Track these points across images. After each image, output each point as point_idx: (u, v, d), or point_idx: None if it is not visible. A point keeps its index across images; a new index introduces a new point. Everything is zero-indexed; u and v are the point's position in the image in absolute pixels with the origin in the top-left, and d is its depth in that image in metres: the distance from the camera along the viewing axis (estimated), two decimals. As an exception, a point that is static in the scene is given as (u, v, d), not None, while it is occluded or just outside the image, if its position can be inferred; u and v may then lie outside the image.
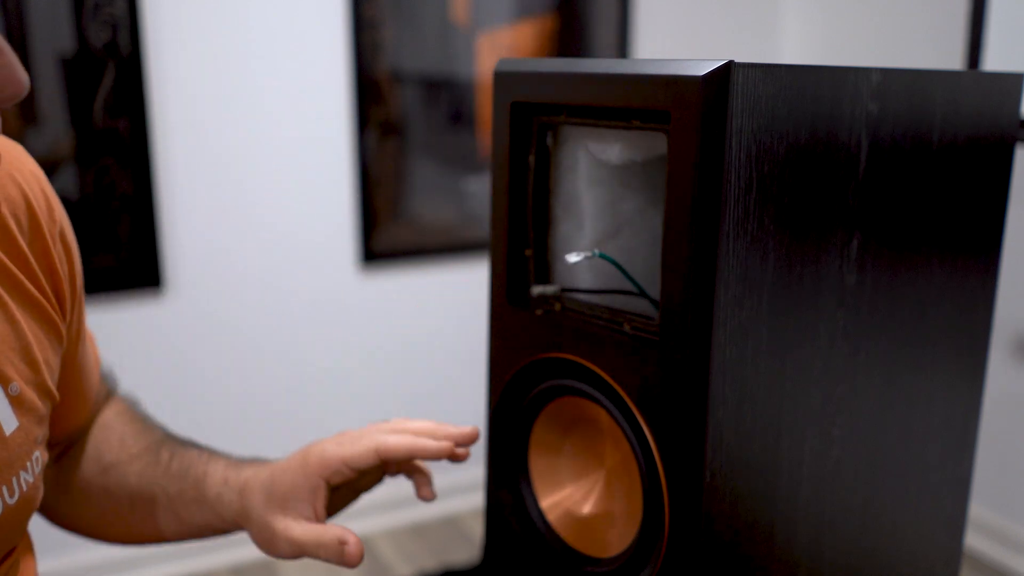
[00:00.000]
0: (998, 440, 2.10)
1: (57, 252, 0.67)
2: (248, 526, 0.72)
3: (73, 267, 0.69)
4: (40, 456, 0.64)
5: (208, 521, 0.75)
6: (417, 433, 0.71)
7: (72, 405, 0.75)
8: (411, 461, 0.75)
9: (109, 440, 0.79)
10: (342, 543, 0.68)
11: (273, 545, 0.70)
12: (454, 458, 0.72)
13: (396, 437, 0.70)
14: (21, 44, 1.77)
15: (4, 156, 0.64)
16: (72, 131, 1.85)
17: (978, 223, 0.71)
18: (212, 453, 0.78)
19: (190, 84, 1.96)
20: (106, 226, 1.88)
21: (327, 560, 0.68)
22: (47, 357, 0.65)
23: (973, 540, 2.20)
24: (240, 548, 2.21)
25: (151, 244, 1.95)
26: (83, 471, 0.78)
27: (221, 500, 0.73)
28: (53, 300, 0.66)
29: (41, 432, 0.64)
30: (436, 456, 0.70)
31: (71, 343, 0.71)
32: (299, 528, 0.69)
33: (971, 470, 0.77)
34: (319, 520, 0.71)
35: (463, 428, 0.72)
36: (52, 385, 0.65)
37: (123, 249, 1.92)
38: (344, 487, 0.75)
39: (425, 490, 0.75)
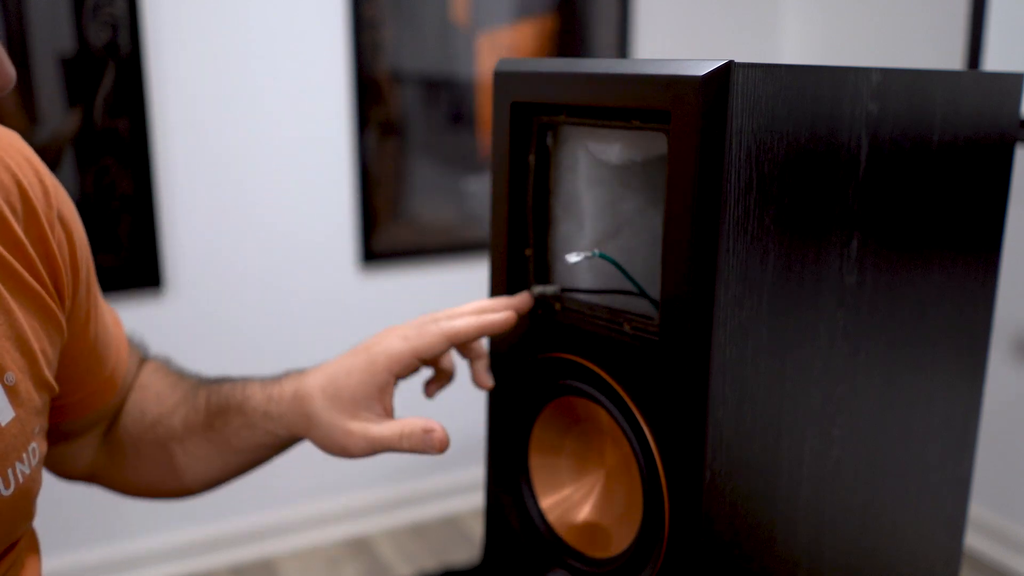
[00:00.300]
0: (998, 440, 2.10)
1: (55, 236, 0.66)
2: (311, 432, 0.71)
3: (75, 249, 0.68)
4: (38, 448, 0.63)
5: (260, 441, 0.74)
6: (477, 312, 0.70)
7: (94, 389, 0.76)
8: (473, 345, 0.74)
9: (147, 398, 0.80)
10: (427, 431, 0.67)
11: (346, 446, 0.69)
12: (520, 308, 0.70)
13: (462, 320, 0.69)
14: (21, 44, 1.77)
15: None
16: (73, 130, 1.85)
17: (978, 223, 0.71)
18: (246, 379, 0.78)
19: (190, 84, 1.96)
20: (106, 226, 1.88)
21: (411, 451, 0.68)
22: (44, 348, 0.64)
23: (973, 540, 2.20)
24: (240, 548, 2.21)
25: (151, 244, 1.95)
26: (131, 433, 0.80)
27: (269, 416, 0.73)
28: (51, 288, 0.65)
29: (39, 423, 0.64)
30: (505, 327, 0.69)
31: (80, 325, 0.71)
32: (377, 427, 0.68)
33: (971, 470, 0.77)
34: (388, 415, 0.70)
35: (513, 298, 0.71)
36: (50, 376, 0.65)
37: (123, 249, 1.92)
38: None
39: (484, 376, 0.74)
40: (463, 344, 0.71)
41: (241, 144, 2.04)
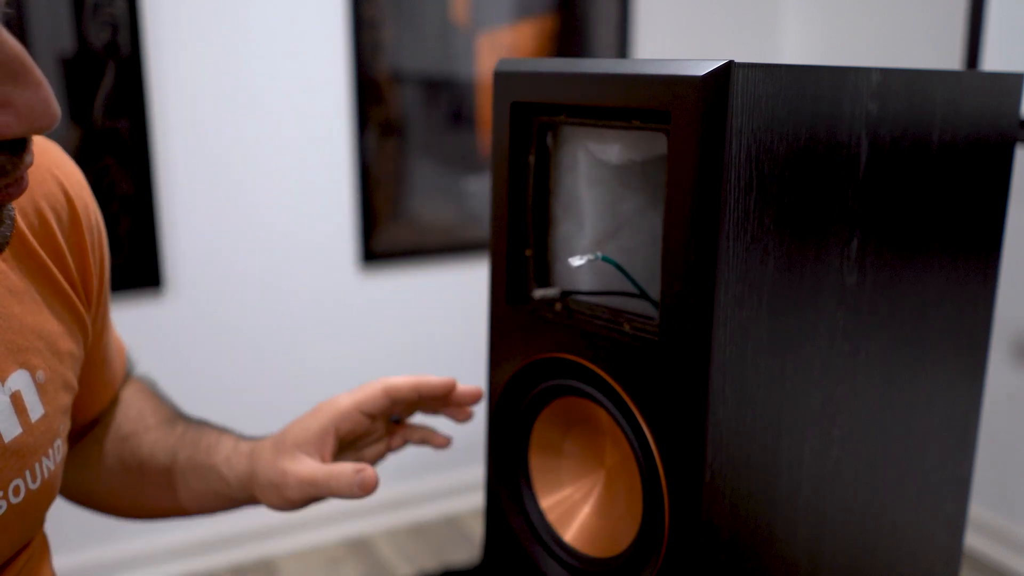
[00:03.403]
0: (998, 440, 2.10)
1: (92, 247, 0.69)
2: (256, 486, 0.74)
3: (103, 260, 0.72)
4: (61, 445, 0.65)
5: (216, 488, 0.76)
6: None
7: (96, 391, 0.78)
8: (417, 427, 0.79)
9: (127, 413, 0.81)
10: (357, 471, 0.69)
11: (282, 493, 0.71)
12: (457, 410, 0.77)
13: (402, 376, 0.75)
14: (21, 44, 1.77)
15: (46, 154, 0.66)
16: (73, 131, 1.85)
17: (978, 223, 0.71)
18: (225, 429, 0.80)
19: (190, 84, 1.96)
20: (106, 226, 1.88)
21: (339, 495, 0.70)
22: (71, 350, 0.66)
23: (973, 540, 2.20)
24: (240, 548, 2.21)
25: (151, 244, 1.95)
26: (99, 443, 0.81)
27: (230, 464, 0.75)
28: (82, 294, 0.68)
29: (63, 423, 0.66)
30: (441, 389, 0.74)
31: (96, 334, 0.73)
32: (308, 467, 0.71)
33: (971, 470, 0.77)
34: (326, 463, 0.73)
35: (468, 386, 0.76)
36: (74, 378, 0.67)
37: (123, 249, 1.92)
38: (350, 448, 0.78)
39: (437, 438, 0.79)
40: (429, 401, 0.77)
41: (241, 144, 2.04)
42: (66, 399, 0.66)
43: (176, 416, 0.82)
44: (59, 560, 2.15)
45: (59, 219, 0.65)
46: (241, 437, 0.78)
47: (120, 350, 0.82)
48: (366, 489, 0.69)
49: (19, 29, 1.76)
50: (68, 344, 0.66)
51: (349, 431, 0.74)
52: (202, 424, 0.80)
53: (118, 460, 0.80)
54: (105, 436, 0.81)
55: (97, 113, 1.86)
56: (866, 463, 0.68)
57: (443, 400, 0.77)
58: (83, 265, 0.68)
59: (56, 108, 0.44)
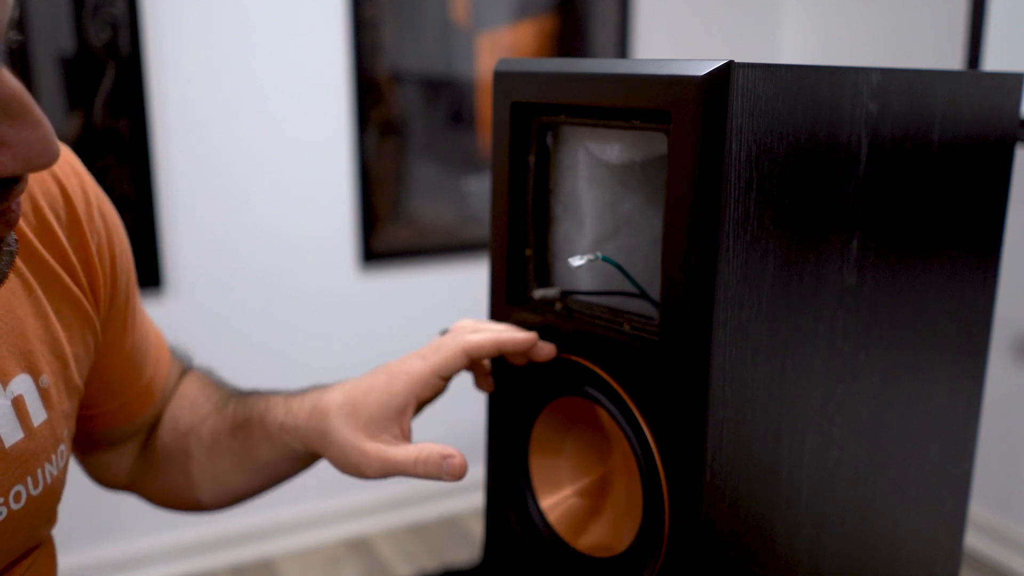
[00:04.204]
0: (998, 440, 2.10)
1: (96, 243, 0.68)
2: (326, 449, 0.69)
3: (114, 257, 0.70)
4: (65, 450, 0.64)
5: (279, 454, 0.74)
6: (498, 331, 0.69)
7: (132, 398, 0.76)
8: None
9: (183, 407, 0.80)
10: (445, 456, 0.65)
11: (360, 467, 0.67)
12: (536, 355, 0.68)
13: (481, 335, 0.68)
14: (21, 44, 1.77)
15: None
16: (73, 131, 1.85)
17: (978, 223, 0.71)
18: (272, 392, 0.77)
19: (190, 84, 1.96)
20: (106, 226, 1.89)
21: (426, 477, 0.66)
22: (77, 352, 0.66)
23: (973, 540, 2.20)
24: (240, 548, 2.21)
25: (151, 244, 1.95)
26: (165, 442, 0.80)
27: (285, 429, 0.71)
28: (89, 293, 0.67)
29: (67, 427, 0.65)
30: (523, 345, 0.67)
31: (116, 334, 0.72)
32: (393, 449, 0.66)
33: (971, 470, 0.77)
34: (406, 439, 0.68)
35: (536, 338, 0.69)
36: (80, 380, 0.66)
37: (123, 249, 1.92)
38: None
39: (485, 381, 0.73)
40: (488, 357, 0.69)
41: (241, 144, 2.03)
42: (71, 403, 0.65)
43: (227, 396, 0.79)
44: (59, 559, 2.14)
45: (58, 218, 0.64)
46: (289, 394, 0.74)
47: (160, 349, 0.80)
48: (455, 476, 0.65)
49: (19, 29, 1.76)
50: (75, 346, 0.65)
51: (427, 398, 0.69)
52: (248, 397, 0.77)
53: (184, 456, 0.78)
54: (164, 434, 0.80)
55: (97, 113, 1.86)
56: (866, 463, 0.68)
57: (522, 356, 0.69)
58: (88, 264, 0.67)
59: (55, 147, 0.43)
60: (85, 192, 0.68)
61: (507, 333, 0.67)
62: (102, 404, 0.74)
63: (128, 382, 0.75)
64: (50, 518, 0.66)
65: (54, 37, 1.80)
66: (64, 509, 0.79)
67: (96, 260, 0.67)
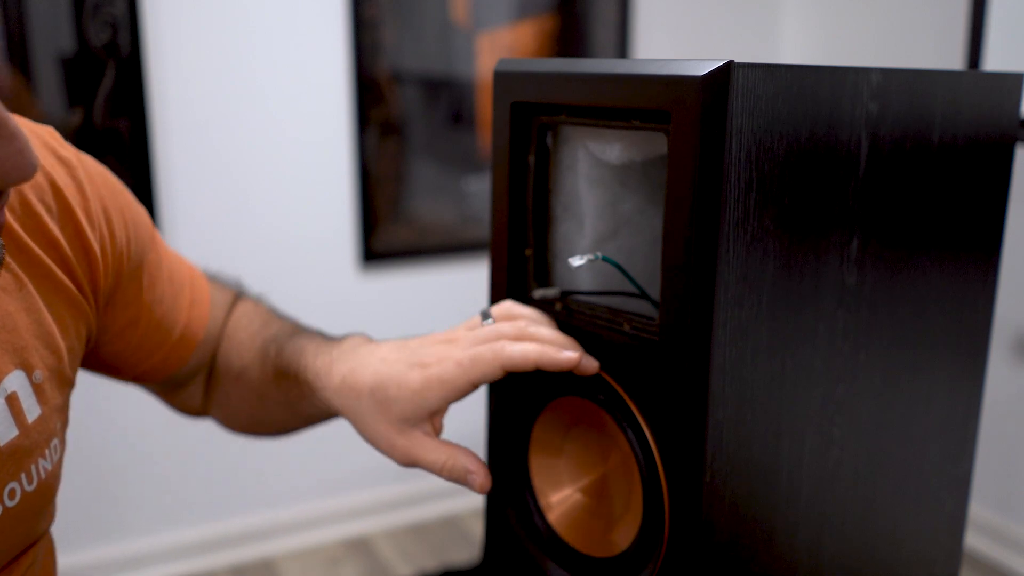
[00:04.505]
0: (998, 440, 2.10)
1: (96, 231, 0.67)
2: (356, 426, 0.69)
3: (115, 240, 0.69)
4: (59, 444, 0.64)
5: (321, 411, 0.74)
6: (541, 340, 0.65)
7: (165, 353, 0.77)
8: None
9: (231, 350, 0.82)
10: (469, 472, 0.66)
11: (388, 454, 0.68)
12: (580, 371, 0.65)
13: (520, 351, 0.64)
14: (21, 44, 1.77)
15: (36, 138, 0.64)
16: (73, 130, 1.85)
17: (978, 223, 0.71)
18: (305, 338, 0.76)
19: (190, 84, 1.96)
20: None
21: (450, 480, 0.67)
22: (71, 345, 0.65)
23: (973, 540, 2.20)
24: (240, 548, 2.21)
25: (151, 244, 1.95)
26: (221, 382, 0.82)
27: (316, 393, 0.71)
28: (86, 285, 0.66)
29: (60, 420, 0.65)
30: (564, 366, 0.63)
31: (133, 312, 0.72)
32: (422, 448, 0.67)
33: (971, 470, 0.77)
34: (437, 434, 0.68)
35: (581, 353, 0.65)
36: (71, 373, 0.66)
37: (123, 249, 1.92)
38: None
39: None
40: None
41: (241, 144, 2.04)
42: (63, 396, 0.65)
43: (269, 341, 0.78)
44: (59, 559, 2.14)
45: (48, 210, 0.63)
46: (319, 349, 0.73)
47: (196, 290, 0.79)
48: (476, 490, 0.66)
49: (19, 29, 1.76)
50: (68, 340, 0.65)
51: (457, 400, 0.68)
52: (286, 343, 0.76)
53: (240, 398, 0.80)
54: (222, 377, 0.82)
55: (97, 113, 1.86)
56: (866, 463, 0.68)
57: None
58: (85, 253, 0.66)
59: (33, 159, 0.42)
60: (76, 179, 0.66)
61: (548, 354, 0.64)
62: (138, 365, 0.76)
63: (160, 343, 0.76)
64: (47, 513, 0.66)
65: (54, 37, 1.80)
66: (64, 508, 0.79)
67: (96, 248, 0.67)
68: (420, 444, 0.67)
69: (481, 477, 0.66)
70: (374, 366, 0.68)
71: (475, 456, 0.67)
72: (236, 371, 0.80)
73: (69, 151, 0.68)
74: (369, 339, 0.73)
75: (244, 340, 0.81)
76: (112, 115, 1.87)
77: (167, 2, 1.90)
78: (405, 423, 0.67)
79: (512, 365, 0.64)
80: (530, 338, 0.64)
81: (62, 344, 0.64)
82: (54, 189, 0.64)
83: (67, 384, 0.66)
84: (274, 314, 0.83)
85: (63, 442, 0.66)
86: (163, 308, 0.76)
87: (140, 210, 0.74)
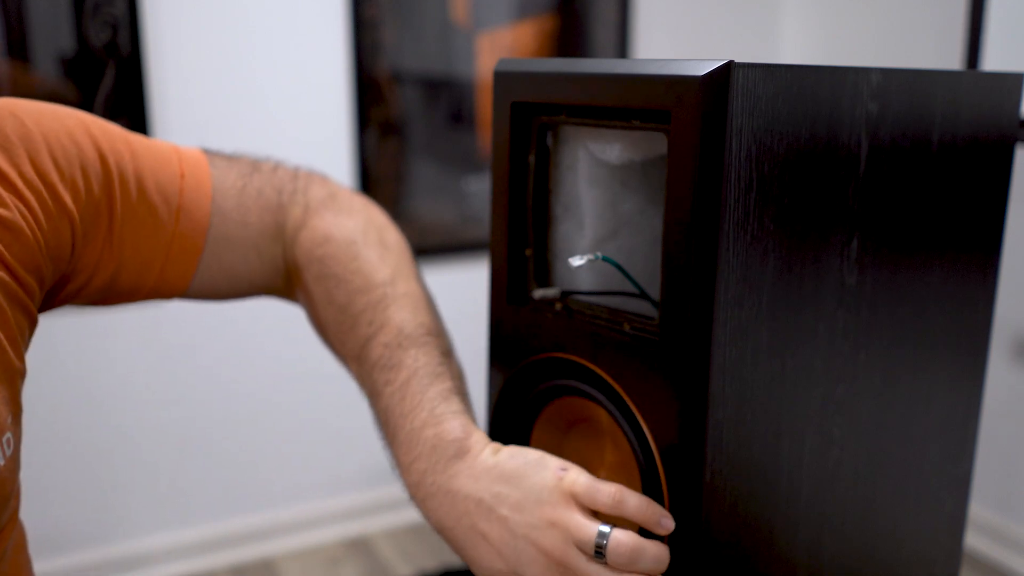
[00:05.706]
0: (998, 440, 2.10)
1: (27, 202, 0.62)
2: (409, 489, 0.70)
3: (63, 203, 0.64)
4: (11, 438, 0.61)
5: (372, 403, 0.74)
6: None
7: (163, 277, 0.73)
8: None
9: (317, 295, 0.81)
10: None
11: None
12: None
13: (604, 496, 0.60)
14: (21, 44, 1.77)
15: None
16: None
17: (978, 223, 0.71)
18: (400, 421, 0.69)
19: (190, 84, 1.96)
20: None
21: None
22: (11, 335, 0.61)
23: (973, 540, 2.20)
24: (240, 548, 2.21)
25: (151, 244, 1.95)
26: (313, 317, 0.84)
27: (390, 422, 0.70)
28: (21, 271, 0.62)
29: (10, 413, 0.62)
30: (637, 519, 0.60)
31: (94, 259, 0.68)
32: None
33: (971, 470, 0.77)
34: None
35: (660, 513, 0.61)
36: (17, 361, 0.62)
37: (123, 249, 1.92)
38: None
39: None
40: None
41: (241, 144, 2.03)
42: (11, 388, 0.61)
43: (364, 342, 0.76)
44: (59, 560, 2.14)
45: None
46: (435, 403, 0.68)
47: (199, 205, 0.74)
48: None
49: (19, 29, 1.76)
50: (7, 330, 0.61)
51: None
52: (395, 345, 0.72)
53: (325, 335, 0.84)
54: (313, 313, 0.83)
55: (97, 113, 1.86)
56: (866, 463, 0.68)
57: None
58: (15, 233, 0.61)
59: None
60: (5, 148, 0.62)
61: (628, 505, 0.60)
62: (140, 291, 0.73)
63: (149, 271, 0.72)
64: (7, 508, 0.63)
65: (54, 37, 1.80)
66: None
67: (26, 222, 0.62)
68: None
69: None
70: (456, 515, 0.67)
71: None
72: (320, 330, 0.81)
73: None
74: (473, 447, 0.66)
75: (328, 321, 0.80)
76: (112, 115, 1.87)
77: (167, 2, 1.90)
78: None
79: (593, 503, 0.61)
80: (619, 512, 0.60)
81: (3, 334, 0.60)
82: None
83: (14, 375, 0.62)
84: (372, 275, 0.79)
85: (17, 436, 0.63)
86: (141, 256, 0.71)
87: (84, 141, 0.69)
